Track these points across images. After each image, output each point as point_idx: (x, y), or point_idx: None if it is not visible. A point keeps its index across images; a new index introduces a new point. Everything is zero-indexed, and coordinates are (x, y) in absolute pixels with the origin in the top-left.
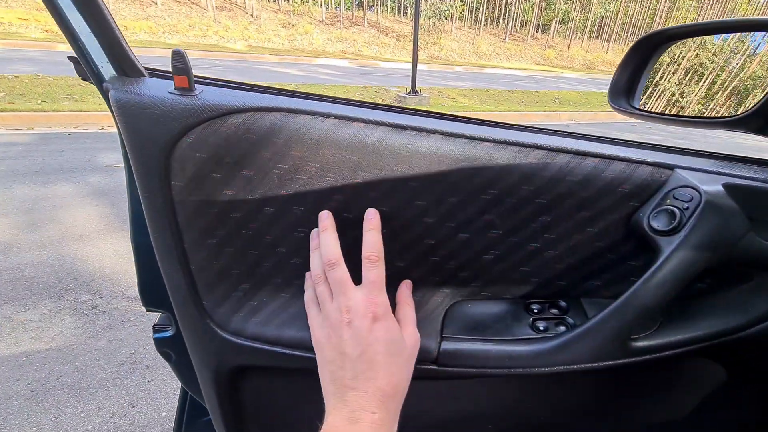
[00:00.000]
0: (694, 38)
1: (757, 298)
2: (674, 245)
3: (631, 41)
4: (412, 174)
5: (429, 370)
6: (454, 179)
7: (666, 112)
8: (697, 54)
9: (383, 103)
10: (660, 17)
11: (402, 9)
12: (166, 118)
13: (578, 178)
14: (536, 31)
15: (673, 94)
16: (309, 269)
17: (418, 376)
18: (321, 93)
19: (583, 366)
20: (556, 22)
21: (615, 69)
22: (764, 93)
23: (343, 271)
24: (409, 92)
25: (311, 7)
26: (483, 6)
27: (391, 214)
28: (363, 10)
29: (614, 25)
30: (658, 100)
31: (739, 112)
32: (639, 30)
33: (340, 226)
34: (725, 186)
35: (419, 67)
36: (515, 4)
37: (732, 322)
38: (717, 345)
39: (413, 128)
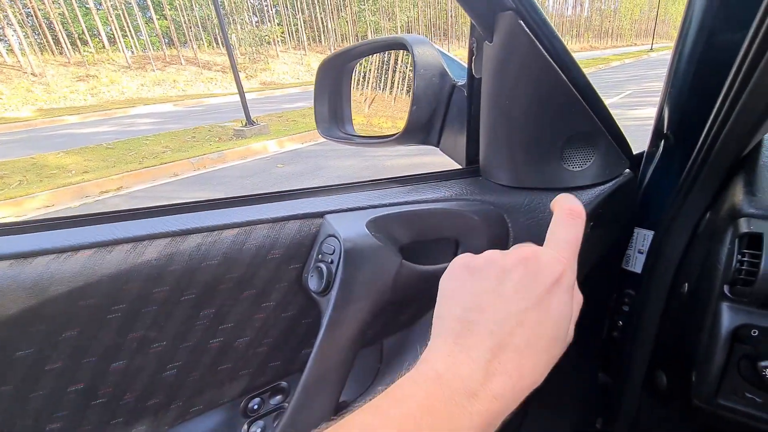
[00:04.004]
0: (367, 57)
1: None
2: (330, 308)
3: (434, 39)
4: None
5: None
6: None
7: (369, 134)
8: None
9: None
10: (452, 15)
11: (219, 41)
12: None
13: (218, 260)
14: (341, 42)
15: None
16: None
17: None
18: None
19: None
20: (371, 33)
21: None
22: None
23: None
24: (246, 124)
25: (111, 54)
26: (301, 27)
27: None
28: (175, 47)
29: (419, 27)
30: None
31: (397, 131)
32: (439, 29)
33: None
34: (369, 223)
35: (252, 96)
36: (331, 20)
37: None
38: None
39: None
